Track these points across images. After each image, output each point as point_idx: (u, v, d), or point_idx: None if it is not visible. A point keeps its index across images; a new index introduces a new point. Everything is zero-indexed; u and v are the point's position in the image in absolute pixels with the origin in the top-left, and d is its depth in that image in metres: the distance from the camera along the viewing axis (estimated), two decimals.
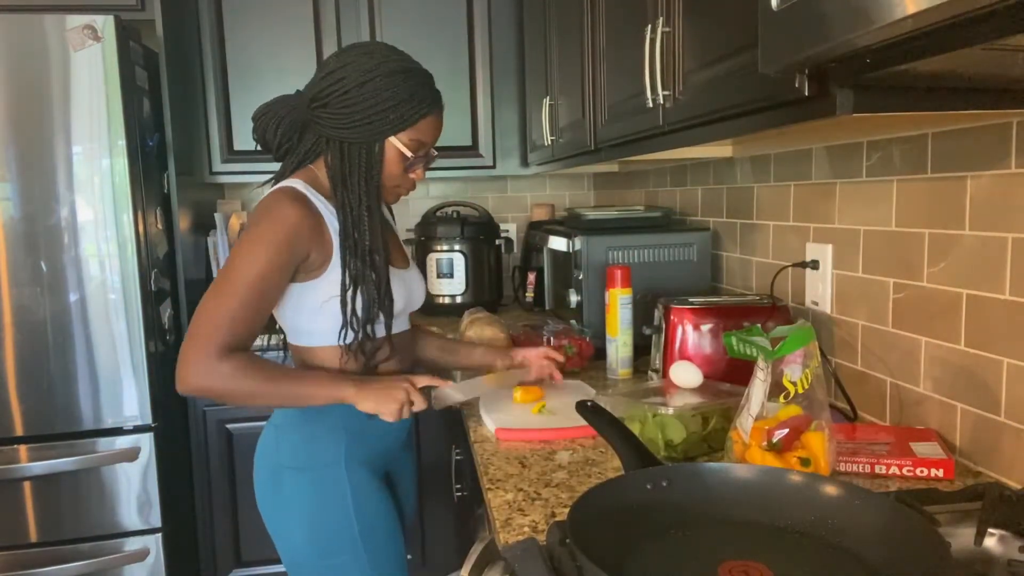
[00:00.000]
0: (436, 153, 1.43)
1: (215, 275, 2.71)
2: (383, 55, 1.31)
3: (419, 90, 1.32)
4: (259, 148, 1.41)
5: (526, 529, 1.04)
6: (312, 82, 1.34)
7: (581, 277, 2.04)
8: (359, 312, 1.32)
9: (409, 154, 1.34)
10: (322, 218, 1.31)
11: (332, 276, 1.31)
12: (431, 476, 2.60)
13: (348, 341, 1.33)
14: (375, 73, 1.29)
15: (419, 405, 1.33)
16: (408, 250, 1.61)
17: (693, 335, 1.59)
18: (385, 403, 1.30)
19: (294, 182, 1.32)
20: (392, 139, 1.32)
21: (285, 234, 1.25)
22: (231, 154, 2.78)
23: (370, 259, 1.32)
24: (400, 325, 1.43)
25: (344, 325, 1.32)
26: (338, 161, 1.32)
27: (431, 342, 1.65)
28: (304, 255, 1.28)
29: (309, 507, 1.34)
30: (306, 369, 1.36)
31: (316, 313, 1.32)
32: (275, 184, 1.36)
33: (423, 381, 1.36)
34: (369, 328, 1.33)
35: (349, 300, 1.31)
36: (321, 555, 1.34)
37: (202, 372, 1.21)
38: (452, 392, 1.44)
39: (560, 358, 1.64)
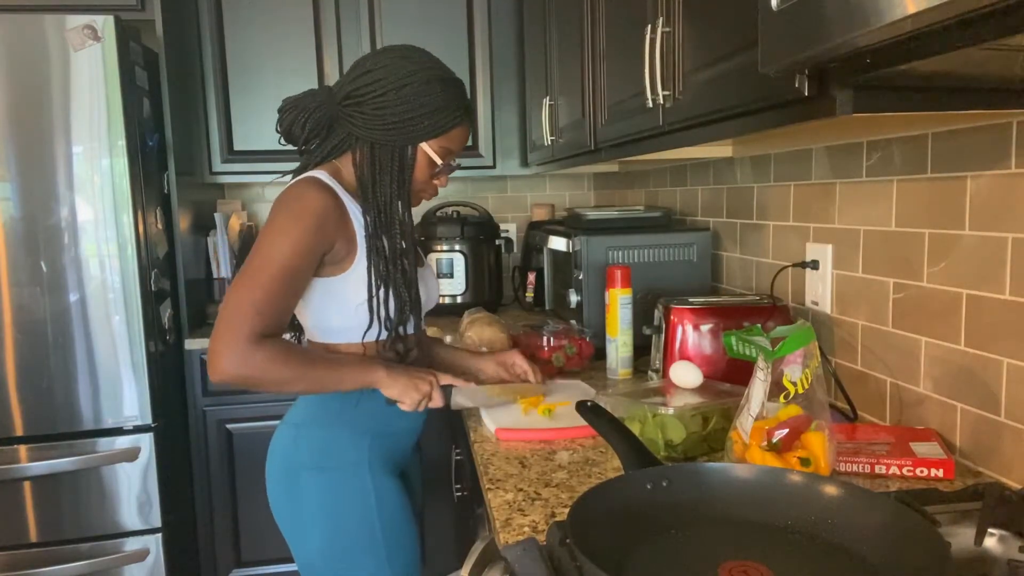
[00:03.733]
0: (459, 163, 1.45)
1: (215, 275, 2.75)
2: (421, 61, 1.33)
3: (454, 100, 1.34)
4: (282, 141, 1.40)
5: (526, 529, 1.04)
6: (346, 80, 1.34)
7: (581, 277, 2.04)
8: (391, 313, 1.33)
9: (439, 161, 1.36)
10: (347, 210, 1.32)
11: (358, 273, 1.32)
12: (431, 476, 2.59)
13: (380, 339, 1.35)
14: (413, 78, 1.30)
15: (437, 402, 1.35)
16: None
17: (693, 335, 1.59)
18: (409, 392, 1.31)
19: (318, 173, 1.33)
20: (423, 145, 1.34)
21: (311, 220, 1.25)
22: (231, 154, 2.78)
23: (401, 262, 1.33)
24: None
25: (377, 325, 1.33)
26: (367, 161, 1.33)
27: (434, 342, 1.66)
28: (330, 243, 1.29)
29: (330, 508, 1.33)
30: (335, 354, 1.36)
31: (345, 311, 1.33)
32: (296, 176, 1.37)
33: (447, 379, 1.39)
34: (401, 328, 1.36)
35: (382, 301, 1.32)
36: (340, 557, 1.33)
37: (237, 360, 1.20)
38: (466, 399, 1.50)
39: (523, 373, 1.62)
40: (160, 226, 2.44)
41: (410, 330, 1.38)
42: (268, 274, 1.22)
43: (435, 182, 1.41)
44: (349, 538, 1.32)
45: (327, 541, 1.33)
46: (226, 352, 1.20)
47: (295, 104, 1.35)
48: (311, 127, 1.35)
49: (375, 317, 1.33)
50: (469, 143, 2.87)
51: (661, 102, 1.41)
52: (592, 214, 2.22)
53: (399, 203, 1.34)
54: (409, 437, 1.45)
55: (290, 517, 1.36)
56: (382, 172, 1.33)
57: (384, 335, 1.35)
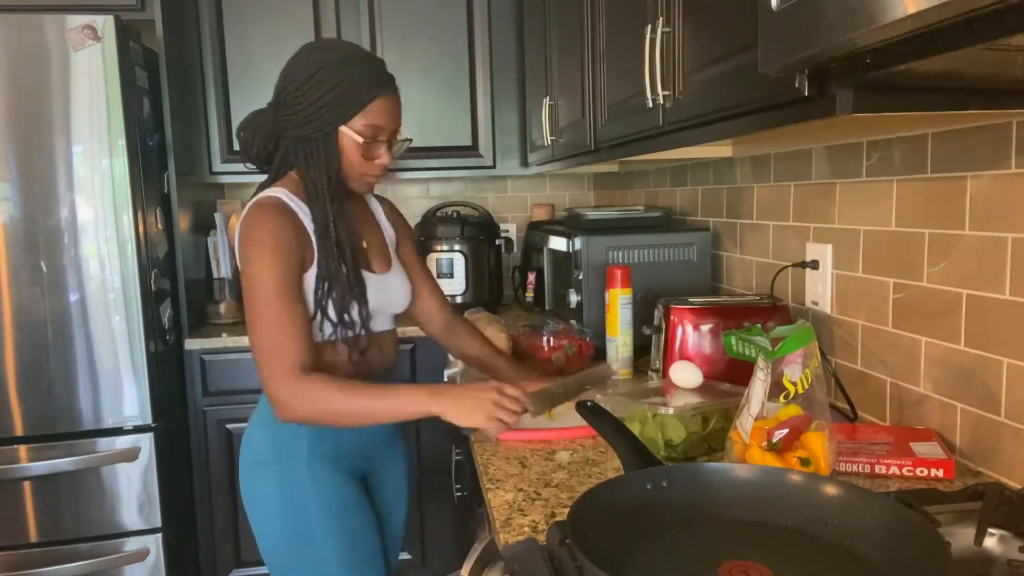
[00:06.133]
0: (409, 139, 1.44)
1: (215, 275, 2.75)
2: (331, 48, 1.35)
3: (364, 76, 1.32)
4: (248, 165, 1.43)
5: (526, 529, 1.04)
6: (274, 88, 1.37)
7: (581, 277, 2.04)
8: (334, 303, 1.34)
9: (361, 140, 1.33)
10: (300, 220, 1.34)
11: (314, 271, 1.35)
12: (431, 476, 2.60)
13: (327, 333, 1.35)
14: (320, 65, 1.31)
15: (511, 416, 1.23)
16: None
17: (693, 335, 1.59)
18: (473, 415, 1.22)
19: (274, 191, 1.35)
20: (344, 128, 1.33)
21: (277, 243, 1.28)
22: (231, 154, 2.78)
23: (338, 250, 1.34)
24: (382, 324, 1.46)
25: (321, 317, 1.34)
26: (303, 160, 1.35)
27: (474, 338, 1.65)
28: (300, 256, 1.32)
29: (275, 501, 1.38)
30: (379, 384, 1.32)
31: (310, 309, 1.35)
32: (256, 194, 1.38)
33: (512, 391, 1.26)
34: (347, 317, 1.35)
35: (324, 293, 1.33)
36: (288, 547, 1.38)
37: (300, 398, 1.24)
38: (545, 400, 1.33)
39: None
40: (160, 226, 2.44)
41: (379, 328, 1.42)
42: (269, 306, 1.26)
43: (376, 161, 1.37)
44: (293, 529, 1.37)
45: (277, 532, 1.38)
46: (283, 395, 1.24)
47: (246, 124, 1.38)
48: (259, 143, 1.38)
49: (321, 312, 1.33)
50: (468, 142, 2.89)
51: (661, 102, 1.41)
52: (592, 214, 2.22)
53: (331, 193, 1.34)
54: (361, 435, 1.44)
55: (250, 510, 1.42)
56: (317, 168, 1.33)
57: (337, 333, 1.35)
